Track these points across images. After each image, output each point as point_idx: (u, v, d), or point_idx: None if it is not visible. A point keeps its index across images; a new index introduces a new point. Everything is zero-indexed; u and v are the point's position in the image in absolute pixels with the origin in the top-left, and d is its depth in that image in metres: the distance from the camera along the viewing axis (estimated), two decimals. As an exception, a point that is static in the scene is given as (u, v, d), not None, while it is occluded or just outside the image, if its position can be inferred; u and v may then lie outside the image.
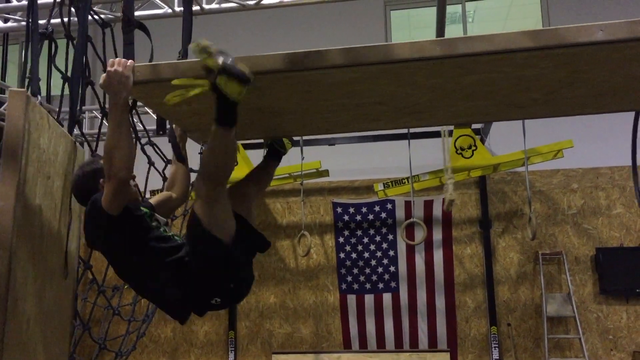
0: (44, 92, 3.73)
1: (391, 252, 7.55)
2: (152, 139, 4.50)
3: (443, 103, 2.37)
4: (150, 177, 4.45)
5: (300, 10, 7.21)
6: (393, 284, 7.48)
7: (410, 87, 2.16)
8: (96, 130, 4.89)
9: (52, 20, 3.92)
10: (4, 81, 5.55)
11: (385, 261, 7.55)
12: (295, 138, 2.97)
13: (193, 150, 4.44)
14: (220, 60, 1.94)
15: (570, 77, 2.09)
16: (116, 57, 2.46)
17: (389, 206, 7.62)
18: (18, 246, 2.38)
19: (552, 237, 7.28)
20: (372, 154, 7.68)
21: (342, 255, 7.69)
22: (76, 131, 3.33)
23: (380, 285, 7.51)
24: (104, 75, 2.13)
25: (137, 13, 4.91)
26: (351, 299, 7.58)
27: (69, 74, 3.31)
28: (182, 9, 3.78)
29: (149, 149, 4.32)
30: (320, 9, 7.35)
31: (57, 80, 3.42)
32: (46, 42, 3.36)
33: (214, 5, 4.93)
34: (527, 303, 7.24)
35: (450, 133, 6.34)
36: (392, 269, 7.51)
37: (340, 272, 7.67)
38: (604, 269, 6.97)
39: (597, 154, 7.24)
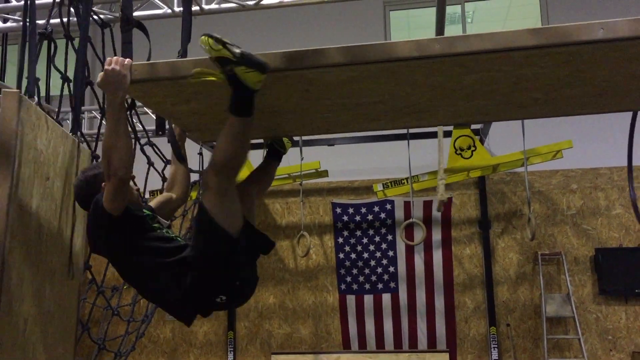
0: (43, 92, 3.72)
1: (390, 253, 7.55)
2: (151, 139, 4.49)
3: (443, 102, 2.36)
4: (149, 177, 4.44)
5: (299, 10, 7.22)
6: (392, 285, 7.48)
7: (409, 86, 2.16)
8: (95, 131, 4.89)
9: (52, 20, 3.92)
10: (4, 81, 5.55)
11: (384, 261, 7.55)
12: (294, 138, 2.97)
13: (192, 151, 4.43)
14: (238, 50, 1.95)
15: (571, 76, 2.09)
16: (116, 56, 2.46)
17: (388, 206, 7.62)
18: (12, 247, 2.36)
19: (551, 238, 7.28)
20: (372, 155, 7.68)
21: (341, 255, 7.70)
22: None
23: (380, 286, 7.51)
24: (102, 73, 2.12)
25: (136, 13, 4.91)
26: (350, 299, 7.58)
27: (68, 74, 3.31)
28: (181, 9, 3.78)
29: (148, 149, 4.31)
30: (319, 10, 7.36)
31: (57, 81, 3.41)
32: (45, 43, 3.36)
33: (213, 6, 4.93)
34: (526, 303, 7.24)
35: (450, 134, 6.34)
36: (391, 269, 7.51)
37: (340, 272, 7.67)
38: (603, 269, 6.97)
39: (597, 155, 7.24)
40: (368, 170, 7.77)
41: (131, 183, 2.38)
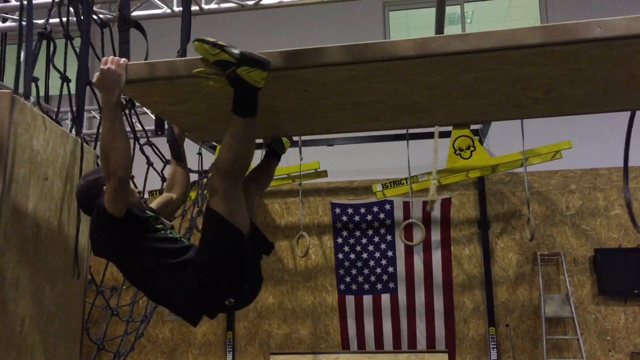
0: (42, 92, 3.72)
1: (389, 253, 7.55)
2: (150, 139, 4.49)
3: (442, 102, 2.36)
4: (148, 177, 4.44)
5: (299, 10, 7.21)
6: (391, 285, 7.48)
7: (407, 85, 2.16)
8: (94, 131, 4.88)
9: (51, 20, 3.91)
10: (3, 81, 5.55)
11: (383, 262, 7.55)
12: (294, 138, 2.97)
13: (192, 151, 4.43)
14: (237, 51, 1.94)
15: (570, 75, 2.09)
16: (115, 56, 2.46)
17: (388, 207, 7.62)
18: (6, 248, 2.36)
19: (550, 238, 7.28)
20: (371, 155, 7.68)
21: (340, 255, 7.69)
22: (73, 131, 3.32)
23: (379, 286, 7.51)
24: (98, 73, 2.12)
25: (136, 13, 4.91)
26: (349, 299, 7.58)
27: (67, 74, 3.31)
28: (181, 9, 3.78)
29: (147, 149, 4.31)
30: (319, 10, 7.35)
31: (56, 81, 3.41)
32: (45, 43, 3.35)
33: (213, 5, 4.92)
34: (525, 304, 7.24)
35: (449, 134, 6.34)
36: (390, 269, 7.51)
37: (339, 272, 7.67)
38: (602, 269, 6.97)
39: (596, 155, 7.25)
40: (367, 170, 7.77)
41: (132, 185, 2.38)
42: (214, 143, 5.33)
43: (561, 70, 2.04)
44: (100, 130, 2.19)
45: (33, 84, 3.18)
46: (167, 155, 2.93)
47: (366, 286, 7.55)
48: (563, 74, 2.08)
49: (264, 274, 2.37)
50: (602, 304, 7.06)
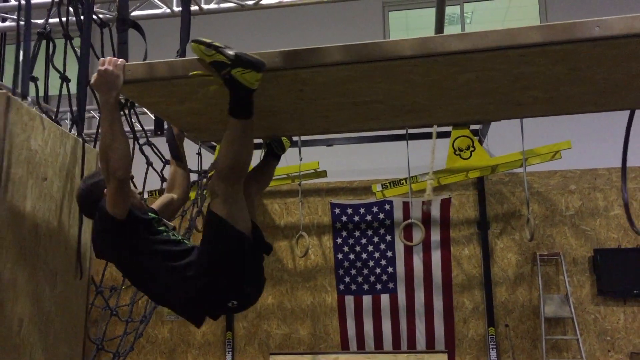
0: (42, 92, 3.71)
1: (389, 253, 7.55)
2: (150, 139, 4.48)
3: (442, 101, 2.36)
4: (148, 177, 4.44)
5: (298, 10, 7.21)
6: (391, 285, 7.48)
7: (406, 85, 2.15)
8: (94, 130, 4.88)
9: (50, 20, 3.91)
10: (2, 81, 5.54)
11: (383, 262, 7.54)
12: (293, 138, 2.97)
13: (192, 151, 4.43)
14: (232, 52, 1.94)
15: (569, 74, 2.08)
16: (114, 57, 2.46)
17: (387, 207, 7.62)
18: (3, 248, 2.35)
19: (549, 238, 7.28)
20: (370, 155, 7.68)
21: (340, 256, 7.69)
22: (73, 131, 3.32)
23: (378, 286, 7.51)
24: (95, 74, 2.13)
25: (135, 13, 4.91)
26: (349, 299, 7.57)
27: (66, 73, 3.30)
28: (180, 8, 3.78)
29: (147, 149, 4.30)
30: (318, 10, 7.35)
31: (55, 80, 3.41)
32: (44, 43, 3.35)
33: (212, 5, 4.92)
34: (524, 304, 7.24)
35: (448, 134, 6.33)
36: (390, 269, 7.51)
37: (338, 273, 7.67)
38: (602, 270, 6.97)
39: (595, 155, 7.24)
40: (367, 170, 7.77)
41: (133, 187, 2.38)
42: (214, 143, 5.32)
43: (560, 69, 2.04)
44: (99, 131, 2.19)
45: (32, 84, 3.19)
46: (167, 155, 2.92)
47: (365, 286, 7.55)
48: (562, 73, 2.07)
49: (263, 274, 2.38)
50: (601, 304, 7.06)
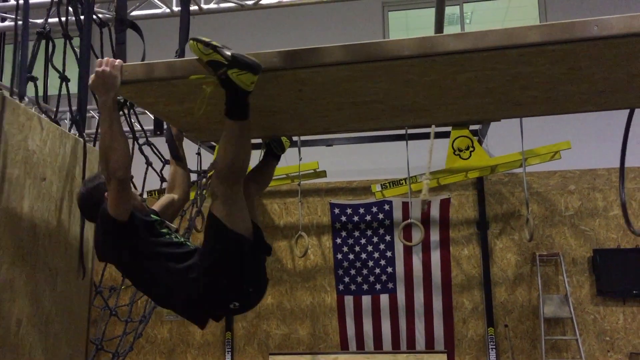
0: (42, 92, 3.71)
1: (388, 253, 7.55)
2: (149, 139, 4.48)
3: (441, 101, 2.36)
4: (147, 177, 4.44)
5: (298, 10, 7.21)
6: (390, 285, 7.48)
7: (405, 85, 2.15)
8: (93, 130, 4.88)
9: (50, 20, 3.91)
10: (1, 81, 5.53)
11: (382, 262, 7.54)
12: (293, 138, 2.97)
13: (191, 151, 4.43)
14: (229, 52, 1.94)
15: (568, 74, 2.08)
16: (113, 56, 2.46)
17: (387, 207, 7.62)
18: None
19: (549, 239, 7.28)
20: (370, 155, 7.68)
21: (339, 256, 7.69)
22: (73, 131, 3.32)
23: (378, 287, 7.51)
24: (93, 75, 2.13)
25: (135, 13, 4.90)
26: (348, 300, 7.57)
27: (66, 73, 3.30)
28: (180, 8, 3.78)
29: (146, 149, 4.31)
30: (318, 10, 7.36)
31: (55, 80, 3.40)
32: (44, 42, 3.34)
33: (212, 5, 4.92)
34: (524, 304, 7.24)
35: (448, 134, 6.33)
36: (389, 270, 7.51)
37: (338, 273, 7.66)
38: (601, 270, 6.97)
39: (595, 156, 7.25)
40: (366, 170, 7.77)
41: (134, 189, 2.38)
42: (213, 143, 5.32)
43: (559, 69, 2.04)
44: (99, 132, 2.19)
45: (32, 84, 3.18)
46: (166, 155, 2.92)
47: (365, 286, 7.55)
48: (561, 72, 2.07)
49: (263, 274, 2.38)
50: (600, 304, 7.06)
